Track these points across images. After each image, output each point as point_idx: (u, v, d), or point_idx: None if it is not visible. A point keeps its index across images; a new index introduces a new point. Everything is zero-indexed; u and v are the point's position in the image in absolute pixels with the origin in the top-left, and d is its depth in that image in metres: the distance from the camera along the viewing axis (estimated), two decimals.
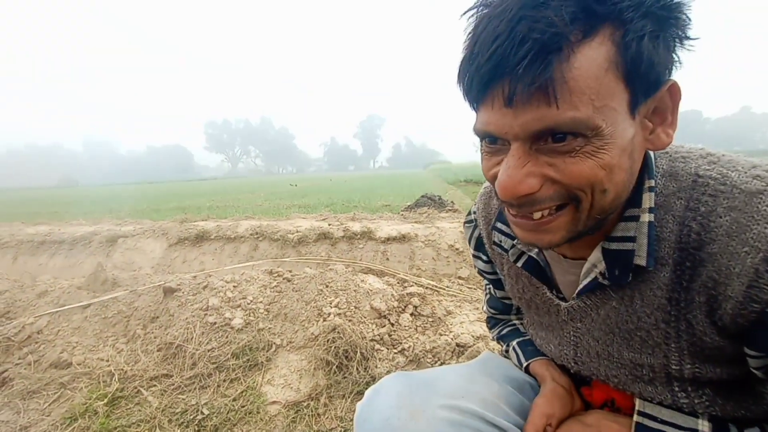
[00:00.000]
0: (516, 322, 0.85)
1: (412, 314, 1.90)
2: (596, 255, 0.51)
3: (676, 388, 0.51)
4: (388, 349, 1.66)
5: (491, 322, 0.89)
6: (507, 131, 0.41)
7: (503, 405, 0.65)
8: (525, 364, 0.72)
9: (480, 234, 0.75)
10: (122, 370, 1.52)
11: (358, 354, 1.54)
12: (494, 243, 0.67)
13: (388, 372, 1.55)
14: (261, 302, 1.84)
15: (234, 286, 1.92)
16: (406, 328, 1.81)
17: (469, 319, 1.94)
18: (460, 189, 12.88)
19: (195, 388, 1.43)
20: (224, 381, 1.47)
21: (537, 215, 0.44)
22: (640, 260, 0.47)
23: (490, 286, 0.84)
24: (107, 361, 1.58)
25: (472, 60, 0.40)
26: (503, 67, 0.37)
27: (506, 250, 0.64)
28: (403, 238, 3.77)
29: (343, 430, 1.28)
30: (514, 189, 0.41)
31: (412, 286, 2.17)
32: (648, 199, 0.47)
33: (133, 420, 1.27)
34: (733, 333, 0.44)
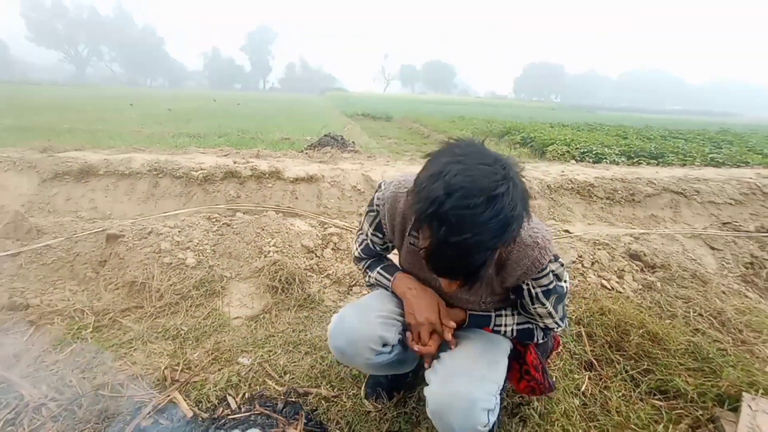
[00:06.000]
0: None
1: (332, 249, 2.48)
2: None
3: (485, 306, 1.12)
4: (317, 275, 2.24)
5: (360, 260, 1.27)
6: None
7: (401, 311, 1.22)
8: (391, 282, 1.18)
9: (381, 221, 1.13)
10: (90, 306, 1.77)
11: (297, 280, 2.08)
12: (411, 243, 1.09)
13: (319, 290, 2.14)
14: (207, 244, 2.17)
15: (179, 231, 2.17)
16: (329, 259, 2.39)
17: None
18: (358, 123, 13.23)
19: (167, 314, 1.80)
20: (191, 307, 1.86)
21: None
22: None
23: (368, 241, 1.21)
24: (68, 300, 1.79)
25: None
26: None
27: (419, 249, 0.91)
28: (310, 179, 4.16)
29: (291, 329, 1.85)
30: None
31: (330, 227, 2.72)
32: None
33: (125, 339, 1.62)
34: (509, 289, 1.05)
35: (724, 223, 3.55)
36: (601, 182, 4.42)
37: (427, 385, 1.08)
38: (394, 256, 1.31)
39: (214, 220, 2.43)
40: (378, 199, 1.11)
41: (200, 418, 1.33)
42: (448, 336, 1.08)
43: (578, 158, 6.10)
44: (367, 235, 1.20)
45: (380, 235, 1.17)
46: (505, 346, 1.17)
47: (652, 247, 2.79)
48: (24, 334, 1.61)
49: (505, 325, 1.14)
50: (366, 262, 1.26)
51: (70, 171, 4.14)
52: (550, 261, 0.97)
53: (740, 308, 2.26)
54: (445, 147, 0.83)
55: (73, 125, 8.41)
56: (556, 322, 1.10)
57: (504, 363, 1.14)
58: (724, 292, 2.46)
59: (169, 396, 1.39)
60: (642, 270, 2.57)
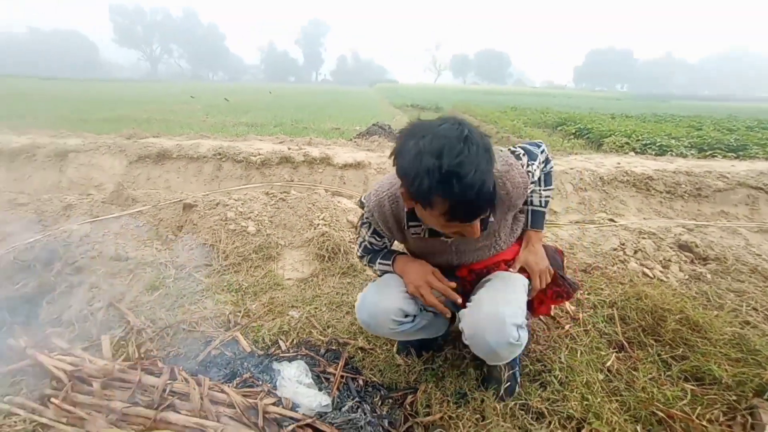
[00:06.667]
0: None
1: None
2: None
3: (500, 245, 1.30)
4: None
5: (362, 257, 1.43)
6: None
7: None
8: (391, 266, 1.32)
9: (376, 229, 1.28)
10: (171, 262, 2.12)
11: (341, 250, 2.30)
12: (413, 234, 1.22)
13: None
14: (265, 216, 2.46)
15: (242, 204, 2.49)
16: None
17: None
18: (407, 114, 13.31)
19: (231, 272, 2.11)
20: (251, 267, 2.15)
21: None
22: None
23: (366, 243, 1.36)
24: (155, 256, 2.16)
25: None
26: None
27: (419, 233, 1.20)
28: (358, 165, 4.37)
29: (335, 292, 2.07)
30: None
31: None
32: None
33: (198, 290, 1.94)
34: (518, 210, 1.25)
35: None
36: (661, 175, 4.16)
37: (460, 322, 1.23)
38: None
39: (271, 195, 2.72)
40: (367, 211, 1.26)
41: (257, 354, 1.59)
42: (450, 292, 1.21)
43: (639, 150, 5.74)
44: (364, 239, 1.35)
45: (378, 238, 1.32)
46: (522, 282, 1.29)
47: (708, 240, 2.64)
48: (125, 279, 1.99)
49: (540, 196, 1.32)
50: (367, 258, 1.41)
51: (150, 154, 4.74)
52: (523, 165, 1.17)
53: None
54: (400, 139, 0.96)
55: (150, 116, 9.45)
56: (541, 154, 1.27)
57: (523, 294, 1.26)
58: None
59: (232, 335, 1.67)
60: (692, 261, 2.46)
